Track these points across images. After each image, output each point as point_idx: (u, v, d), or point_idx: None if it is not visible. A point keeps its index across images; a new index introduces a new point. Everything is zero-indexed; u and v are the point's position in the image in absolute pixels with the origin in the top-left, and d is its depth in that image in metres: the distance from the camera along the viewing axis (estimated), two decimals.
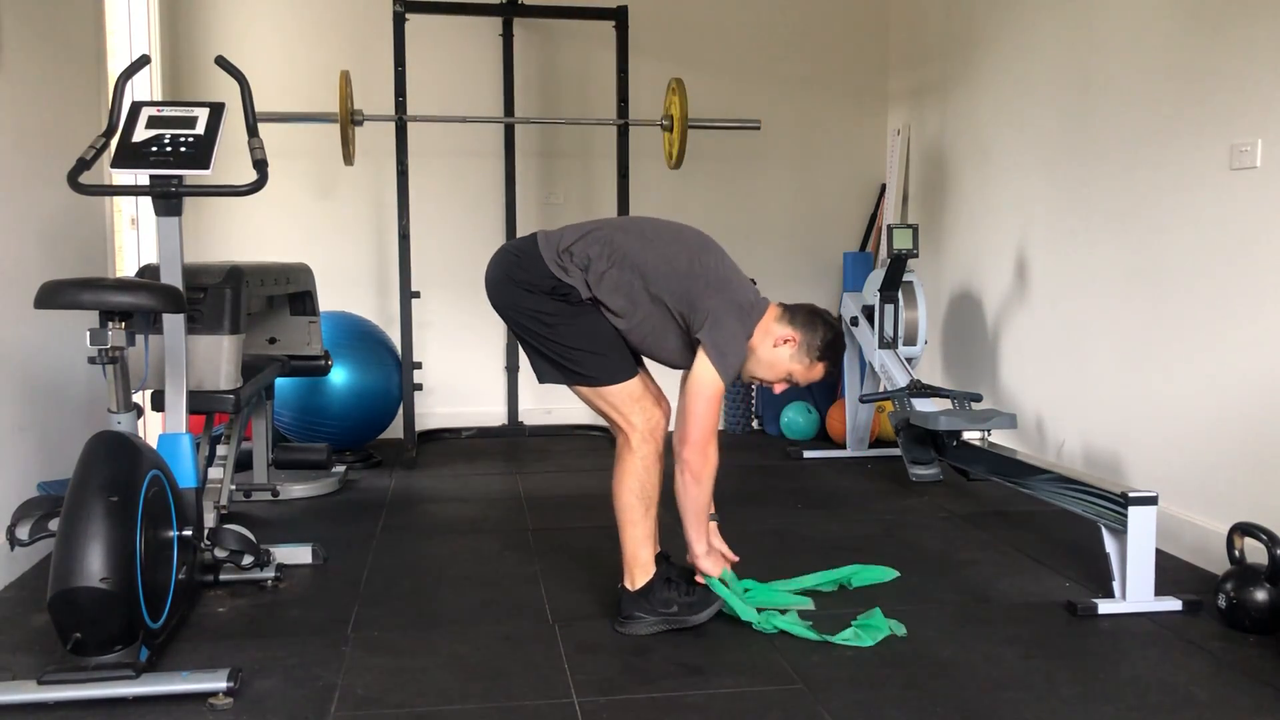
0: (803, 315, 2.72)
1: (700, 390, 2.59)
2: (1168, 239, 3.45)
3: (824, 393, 5.40)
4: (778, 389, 2.77)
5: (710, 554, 2.76)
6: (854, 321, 4.66)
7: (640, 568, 2.70)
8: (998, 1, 4.56)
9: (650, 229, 2.72)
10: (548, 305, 2.63)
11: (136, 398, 2.71)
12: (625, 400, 2.64)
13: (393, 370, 4.76)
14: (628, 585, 2.71)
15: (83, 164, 2.78)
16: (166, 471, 2.58)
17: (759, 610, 2.73)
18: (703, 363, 2.58)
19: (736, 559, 2.86)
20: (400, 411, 4.84)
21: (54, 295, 2.42)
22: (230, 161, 4.54)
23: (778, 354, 2.70)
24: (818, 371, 2.73)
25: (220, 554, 2.86)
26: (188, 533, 2.64)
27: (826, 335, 2.70)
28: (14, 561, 3.06)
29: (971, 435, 3.71)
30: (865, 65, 5.69)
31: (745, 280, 2.72)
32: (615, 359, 2.66)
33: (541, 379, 2.75)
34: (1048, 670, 2.47)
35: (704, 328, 2.58)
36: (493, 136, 5.26)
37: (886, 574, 3.10)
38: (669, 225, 2.77)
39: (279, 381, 4.31)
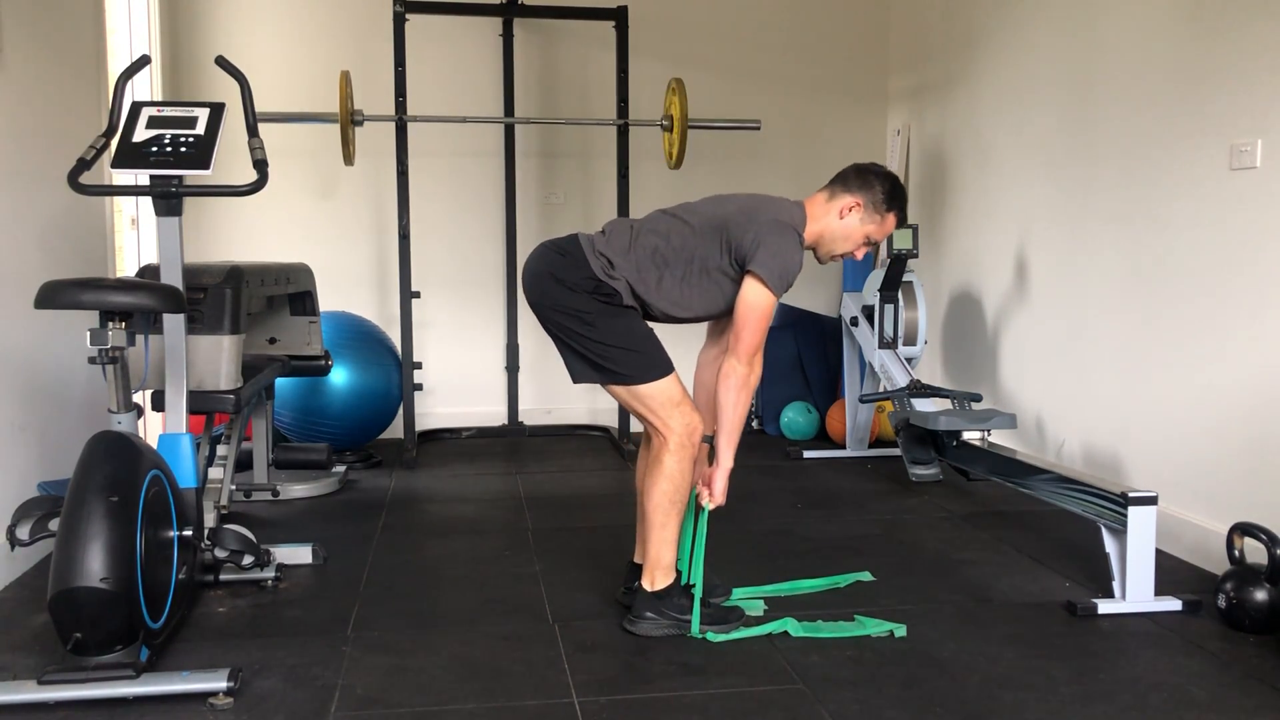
0: (854, 177, 2.72)
1: (750, 310, 2.59)
2: (1168, 239, 3.46)
3: (824, 393, 5.40)
4: (859, 255, 2.77)
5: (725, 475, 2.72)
6: (854, 321, 4.66)
7: (662, 570, 2.69)
8: (998, 1, 4.56)
9: (671, 225, 2.71)
10: (588, 304, 2.63)
11: (136, 398, 2.71)
12: (665, 404, 2.64)
13: (393, 370, 4.76)
14: (646, 585, 2.70)
15: (83, 164, 2.78)
16: (166, 471, 2.58)
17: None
18: (749, 285, 2.59)
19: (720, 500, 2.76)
20: (400, 411, 4.85)
21: (54, 295, 2.42)
22: (230, 161, 4.55)
23: (848, 223, 2.71)
24: (890, 223, 2.74)
25: (220, 554, 2.85)
26: (188, 533, 2.64)
27: (885, 185, 2.71)
28: (14, 561, 3.06)
29: (971, 435, 3.71)
30: (865, 65, 5.69)
31: (768, 197, 2.72)
32: (651, 356, 2.66)
33: (576, 379, 2.72)
34: (1048, 670, 2.47)
35: (754, 260, 2.58)
36: (493, 136, 5.26)
37: (860, 576, 3.14)
38: (686, 212, 2.75)
39: (279, 381, 4.31)
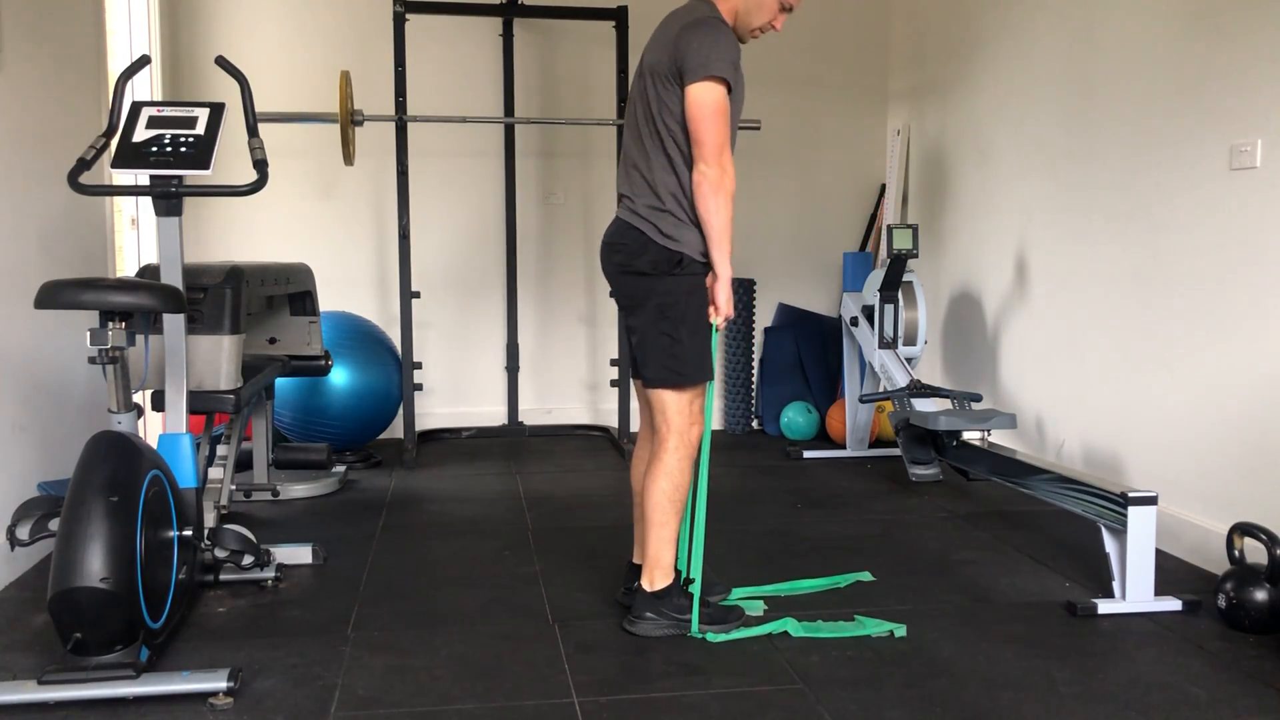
0: None
1: (700, 108, 2.54)
2: (1168, 239, 3.46)
3: (824, 393, 5.40)
4: (779, 24, 2.72)
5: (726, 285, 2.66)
6: (854, 321, 4.66)
7: (661, 570, 2.69)
8: (998, 1, 4.56)
9: (634, 125, 2.71)
10: (671, 285, 2.63)
11: (136, 398, 2.71)
12: (686, 402, 2.65)
13: (393, 370, 4.76)
14: (645, 586, 2.70)
15: (83, 164, 2.78)
16: (166, 471, 2.58)
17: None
18: (693, 89, 2.53)
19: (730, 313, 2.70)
20: (400, 411, 4.85)
21: (54, 295, 2.42)
22: (230, 161, 4.55)
23: None
24: None
25: (220, 554, 2.86)
26: (188, 533, 2.64)
27: None
28: (14, 561, 3.06)
29: (971, 435, 3.71)
30: (865, 65, 5.69)
31: (668, 18, 2.67)
32: (709, 359, 2.67)
33: (649, 383, 2.68)
34: (1048, 670, 2.48)
35: (690, 70, 2.53)
36: (493, 136, 5.26)
37: (860, 576, 3.14)
38: (628, 106, 2.76)
39: (279, 381, 4.31)
